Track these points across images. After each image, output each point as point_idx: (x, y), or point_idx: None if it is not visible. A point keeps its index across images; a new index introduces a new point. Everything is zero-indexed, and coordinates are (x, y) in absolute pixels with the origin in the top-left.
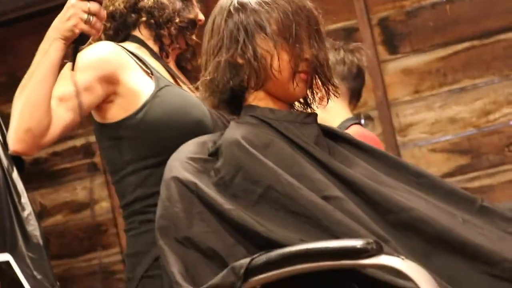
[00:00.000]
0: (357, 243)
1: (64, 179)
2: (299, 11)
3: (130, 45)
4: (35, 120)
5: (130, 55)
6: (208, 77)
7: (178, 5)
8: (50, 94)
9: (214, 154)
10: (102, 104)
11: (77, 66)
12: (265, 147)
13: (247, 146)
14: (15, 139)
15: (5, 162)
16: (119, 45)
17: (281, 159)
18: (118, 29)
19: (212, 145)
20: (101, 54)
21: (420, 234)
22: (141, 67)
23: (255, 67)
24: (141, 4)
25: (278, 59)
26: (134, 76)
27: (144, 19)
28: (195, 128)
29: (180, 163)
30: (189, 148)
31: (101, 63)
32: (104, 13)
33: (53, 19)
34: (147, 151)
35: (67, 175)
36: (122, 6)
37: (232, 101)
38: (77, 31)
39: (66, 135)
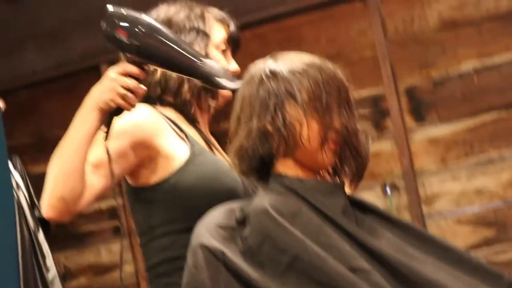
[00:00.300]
0: None
1: (89, 241)
2: (329, 81)
3: (167, 110)
4: (68, 189)
5: (166, 119)
6: (237, 144)
7: None
8: (84, 162)
9: (242, 222)
10: (136, 168)
11: (110, 136)
12: (293, 216)
13: (275, 215)
14: (48, 206)
15: (31, 223)
16: (157, 110)
17: (309, 229)
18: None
19: (240, 212)
20: (136, 120)
21: None
22: (176, 132)
23: (285, 135)
24: (150, 79)
25: (308, 128)
26: (169, 141)
27: (159, 92)
28: (226, 196)
29: (208, 230)
30: (216, 216)
31: (135, 129)
32: (142, 89)
33: (82, 81)
34: (176, 216)
35: (92, 237)
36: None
37: (261, 169)
38: (113, 105)
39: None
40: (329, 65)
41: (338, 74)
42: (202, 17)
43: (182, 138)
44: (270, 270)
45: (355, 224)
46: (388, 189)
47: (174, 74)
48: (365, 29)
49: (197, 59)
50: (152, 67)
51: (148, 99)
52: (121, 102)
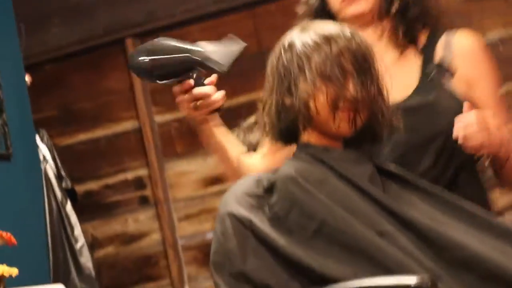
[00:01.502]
0: (412, 280)
1: (116, 212)
2: (341, 52)
3: None
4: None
5: None
6: (264, 116)
7: None
8: (231, 158)
9: (269, 190)
10: None
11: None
12: (319, 183)
13: (302, 181)
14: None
15: (59, 194)
16: None
17: (335, 195)
18: None
19: (267, 181)
20: None
21: (476, 272)
22: None
23: (299, 107)
24: None
25: (316, 100)
26: None
27: None
28: None
29: (235, 198)
30: (244, 185)
31: None
32: (202, 94)
33: (107, 55)
34: None
35: (119, 208)
36: None
37: (288, 139)
38: (195, 117)
39: None
40: (347, 34)
41: (355, 43)
42: None
43: None
44: (297, 236)
45: (382, 190)
46: None
47: None
48: None
49: (187, 53)
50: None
51: None
52: (196, 113)
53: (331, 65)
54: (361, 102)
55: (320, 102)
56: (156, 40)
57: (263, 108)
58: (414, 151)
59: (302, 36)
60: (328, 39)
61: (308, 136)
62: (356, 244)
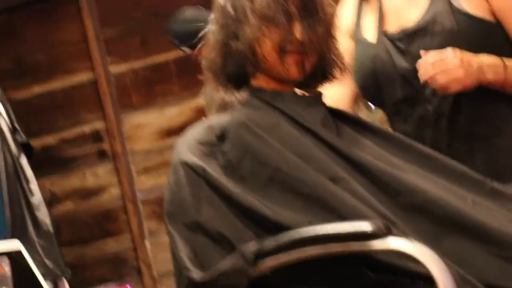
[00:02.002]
0: (366, 226)
1: (74, 166)
2: None
3: None
4: None
5: None
6: (210, 60)
7: None
8: None
9: (221, 137)
10: None
11: None
12: (271, 129)
13: (254, 128)
14: None
15: (13, 148)
16: None
17: (288, 141)
18: None
19: (219, 128)
20: None
21: (430, 216)
22: None
23: (245, 52)
24: None
25: (263, 44)
26: None
27: None
28: None
29: (188, 147)
30: (196, 132)
31: None
32: None
33: (59, 5)
34: None
35: (76, 162)
36: None
37: (238, 83)
38: None
39: None
40: None
41: None
42: None
43: None
44: (251, 183)
45: (335, 134)
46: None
47: None
48: None
49: None
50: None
51: None
52: None
53: (275, 7)
54: (308, 44)
55: (266, 47)
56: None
57: (210, 51)
58: (417, 78)
59: None
60: None
61: (258, 81)
62: (310, 191)
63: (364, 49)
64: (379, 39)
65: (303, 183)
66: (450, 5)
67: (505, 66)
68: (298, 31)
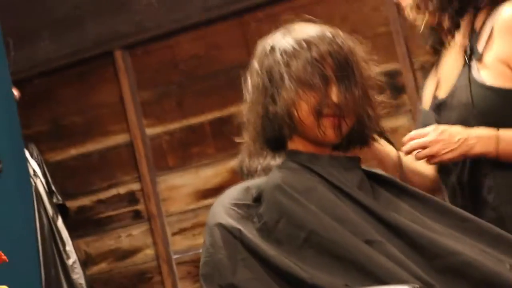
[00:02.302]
0: None
1: (109, 227)
2: (323, 56)
3: None
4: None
5: None
6: (250, 127)
7: None
8: None
9: (257, 199)
10: None
11: None
12: (307, 191)
13: (290, 190)
14: None
15: (50, 210)
16: None
17: (324, 204)
18: None
19: (256, 190)
20: None
21: (468, 279)
22: None
23: (283, 116)
24: None
25: (300, 107)
26: None
27: None
28: None
29: (224, 209)
30: (232, 194)
31: None
32: None
33: (96, 68)
34: None
35: (112, 223)
36: None
37: (276, 148)
38: None
39: None
40: (327, 36)
41: (336, 45)
42: None
43: None
44: (287, 246)
45: (371, 197)
46: None
47: None
48: (378, 5)
49: None
50: None
51: None
52: None
53: (311, 71)
54: (345, 107)
55: (303, 110)
56: None
57: (248, 113)
58: None
59: (282, 40)
60: (308, 43)
61: (295, 144)
62: (346, 254)
63: (419, 116)
64: (430, 107)
65: (339, 245)
66: (469, 77)
67: (497, 139)
68: (334, 94)
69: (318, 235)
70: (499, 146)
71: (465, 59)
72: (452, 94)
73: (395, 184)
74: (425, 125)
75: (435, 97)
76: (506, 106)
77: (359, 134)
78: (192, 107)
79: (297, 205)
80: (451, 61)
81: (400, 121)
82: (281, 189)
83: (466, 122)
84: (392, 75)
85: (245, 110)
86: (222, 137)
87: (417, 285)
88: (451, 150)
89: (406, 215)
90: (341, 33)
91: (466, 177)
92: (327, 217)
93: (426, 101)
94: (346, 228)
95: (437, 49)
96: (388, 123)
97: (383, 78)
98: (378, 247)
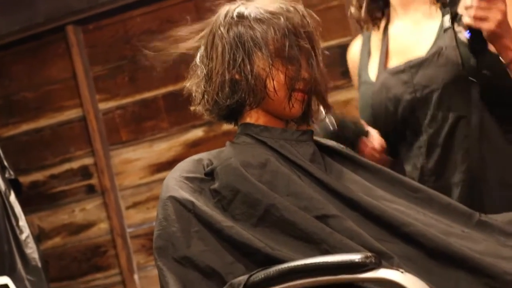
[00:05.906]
0: (356, 257)
1: (62, 202)
2: (299, 29)
3: None
4: None
5: None
6: (209, 92)
7: None
8: None
9: (210, 174)
10: None
11: None
12: (261, 166)
13: (243, 169)
14: None
15: (2, 185)
16: None
17: (278, 179)
18: None
19: (208, 163)
20: None
21: (420, 248)
22: None
23: (252, 85)
24: None
25: (273, 80)
26: None
27: None
28: None
29: (176, 182)
30: (184, 167)
31: None
32: None
33: (48, 43)
34: None
35: (65, 198)
36: None
37: (229, 117)
38: None
39: None
40: (299, 11)
41: (307, 21)
42: None
43: None
44: (242, 223)
45: (324, 170)
46: None
47: None
48: None
49: None
50: None
51: None
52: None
53: (289, 43)
54: (314, 82)
55: (278, 82)
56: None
57: (206, 81)
58: (419, 108)
59: (252, 9)
60: (285, 14)
61: (250, 116)
62: (300, 233)
63: (366, 88)
64: (378, 76)
65: (294, 226)
66: (456, 39)
67: None
68: (305, 68)
69: (273, 215)
70: None
71: (443, 22)
72: (436, 52)
73: (346, 156)
74: (373, 97)
75: (387, 67)
76: (494, 69)
77: (310, 109)
78: (145, 81)
79: (251, 183)
80: (409, 28)
81: (352, 93)
82: (235, 168)
83: (456, 78)
84: (345, 48)
85: (195, 77)
86: (175, 111)
87: (370, 254)
88: (501, 27)
89: (358, 187)
90: (301, 6)
91: (440, 139)
92: (279, 197)
93: (370, 73)
94: (301, 203)
95: (377, 18)
96: (340, 96)
97: (337, 51)
98: (333, 221)
